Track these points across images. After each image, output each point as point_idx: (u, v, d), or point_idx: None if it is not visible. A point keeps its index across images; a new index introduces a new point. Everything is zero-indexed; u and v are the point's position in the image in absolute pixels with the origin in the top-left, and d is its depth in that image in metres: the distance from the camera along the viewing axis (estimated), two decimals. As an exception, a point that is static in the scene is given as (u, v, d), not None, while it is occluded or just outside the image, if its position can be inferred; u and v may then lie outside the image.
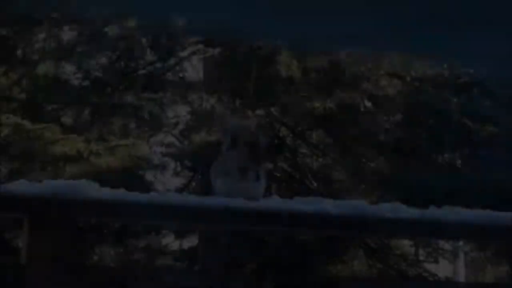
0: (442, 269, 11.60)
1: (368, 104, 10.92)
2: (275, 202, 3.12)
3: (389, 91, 10.37)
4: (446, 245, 10.44)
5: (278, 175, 10.13)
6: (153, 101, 9.84)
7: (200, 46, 10.38)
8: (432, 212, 3.22)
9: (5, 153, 8.81)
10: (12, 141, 8.69)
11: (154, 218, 3.08)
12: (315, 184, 10.53)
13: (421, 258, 11.47)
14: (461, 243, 9.95)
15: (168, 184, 10.42)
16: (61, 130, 8.73)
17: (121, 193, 2.91)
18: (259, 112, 10.11)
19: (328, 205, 3.09)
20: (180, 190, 9.94)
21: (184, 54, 10.32)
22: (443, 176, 10.05)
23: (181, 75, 10.46)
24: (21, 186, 2.78)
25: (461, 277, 11.87)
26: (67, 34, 9.44)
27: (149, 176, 10.25)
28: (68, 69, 10.30)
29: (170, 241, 11.08)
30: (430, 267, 11.29)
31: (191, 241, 11.04)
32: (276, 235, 9.24)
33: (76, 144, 8.69)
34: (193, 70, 10.69)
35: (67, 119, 9.59)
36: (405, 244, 11.61)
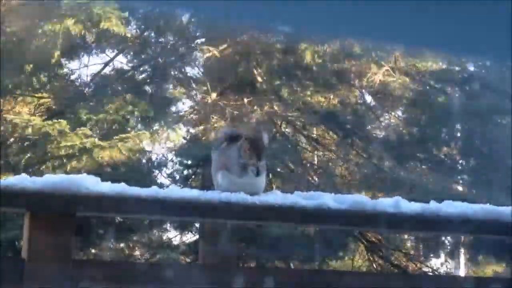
0: (443, 263, 11.60)
1: (369, 99, 10.92)
2: (276, 197, 3.12)
3: (391, 86, 10.36)
4: (447, 239, 10.44)
5: (279, 169, 10.13)
6: (155, 96, 9.84)
7: (202, 40, 10.38)
8: (433, 207, 3.22)
9: (13, 149, 8.86)
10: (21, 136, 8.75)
11: (155, 213, 3.07)
12: (316, 179, 10.52)
13: (422, 252, 11.47)
14: (462, 237, 9.94)
15: (169, 179, 10.43)
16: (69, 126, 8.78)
17: (122, 188, 2.90)
18: (261, 107, 10.10)
19: (329, 200, 3.09)
20: (181, 184, 9.94)
21: (186, 49, 10.31)
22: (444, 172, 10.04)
23: (183, 70, 10.46)
24: (22, 180, 2.77)
25: (462, 272, 11.87)
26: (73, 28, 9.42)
27: (150, 170, 10.26)
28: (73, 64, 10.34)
29: (172, 235, 11.09)
30: (431, 262, 11.29)
31: (192, 235, 11.05)
32: (276, 229, 9.23)
33: (82, 140, 8.72)
34: (195, 65, 10.69)
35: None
36: (406, 239, 11.61)
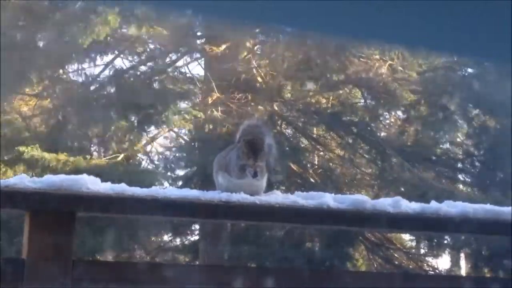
0: (443, 263, 11.61)
1: (369, 98, 10.91)
2: (276, 197, 3.12)
3: (392, 86, 10.36)
4: (447, 239, 10.44)
5: (279, 170, 10.13)
6: (156, 95, 9.85)
7: (203, 41, 10.38)
8: (433, 206, 3.22)
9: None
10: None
11: (155, 213, 3.07)
12: (316, 179, 10.52)
13: (422, 252, 11.48)
14: (462, 237, 9.95)
15: (169, 179, 10.42)
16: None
17: (122, 188, 2.90)
18: (261, 108, 10.10)
19: (329, 200, 3.08)
20: (181, 184, 9.95)
21: (188, 48, 10.31)
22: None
23: (185, 69, 10.47)
24: (22, 180, 2.77)
25: (462, 271, 11.88)
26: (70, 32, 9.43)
27: (150, 170, 10.25)
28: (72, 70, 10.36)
29: (172, 235, 11.09)
30: (431, 261, 11.29)
31: (192, 235, 11.05)
32: (277, 229, 9.23)
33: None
34: (195, 66, 10.69)
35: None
36: (406, 239, 11.62)
